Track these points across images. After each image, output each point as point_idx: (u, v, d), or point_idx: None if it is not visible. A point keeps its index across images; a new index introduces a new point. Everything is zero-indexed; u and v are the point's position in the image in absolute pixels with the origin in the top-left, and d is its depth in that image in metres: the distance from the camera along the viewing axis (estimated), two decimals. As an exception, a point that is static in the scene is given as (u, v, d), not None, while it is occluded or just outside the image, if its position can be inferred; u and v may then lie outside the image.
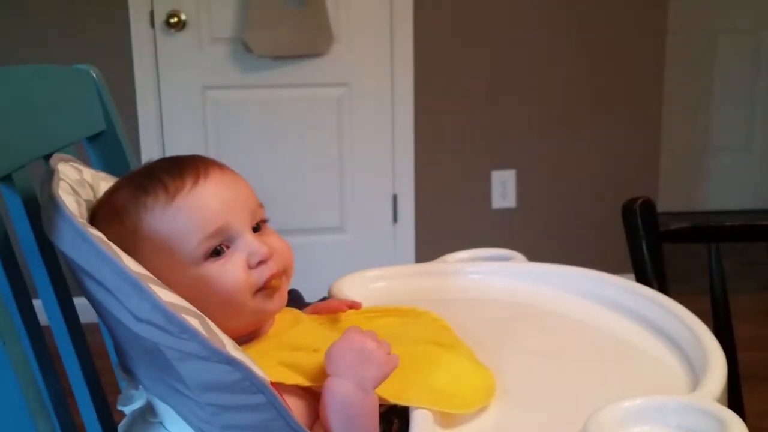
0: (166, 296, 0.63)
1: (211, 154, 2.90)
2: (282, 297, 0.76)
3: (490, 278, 1.07)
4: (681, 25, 3.61)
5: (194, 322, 0.63)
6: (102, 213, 0.75)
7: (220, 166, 0.76)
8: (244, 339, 0.74)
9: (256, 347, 0.74)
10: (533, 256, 1.09)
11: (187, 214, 0.71)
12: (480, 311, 1.00)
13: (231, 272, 0.71)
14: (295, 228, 3.04)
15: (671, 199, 3.61)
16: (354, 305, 0.90)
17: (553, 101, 3.09)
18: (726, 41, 3.93)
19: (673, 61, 3.38)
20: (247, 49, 2.88)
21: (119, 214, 0.72)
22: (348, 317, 0.87)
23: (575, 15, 3.04)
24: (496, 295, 1.04)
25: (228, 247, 0.72)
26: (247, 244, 0.73)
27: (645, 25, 3.06)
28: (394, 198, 3.12)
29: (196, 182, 0.72)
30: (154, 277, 0.65)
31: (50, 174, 0.75)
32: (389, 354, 0.69)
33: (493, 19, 3.01)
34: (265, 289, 0.73)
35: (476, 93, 3.06)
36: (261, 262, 0.73)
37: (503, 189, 3.14)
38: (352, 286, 1.03)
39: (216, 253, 0.72)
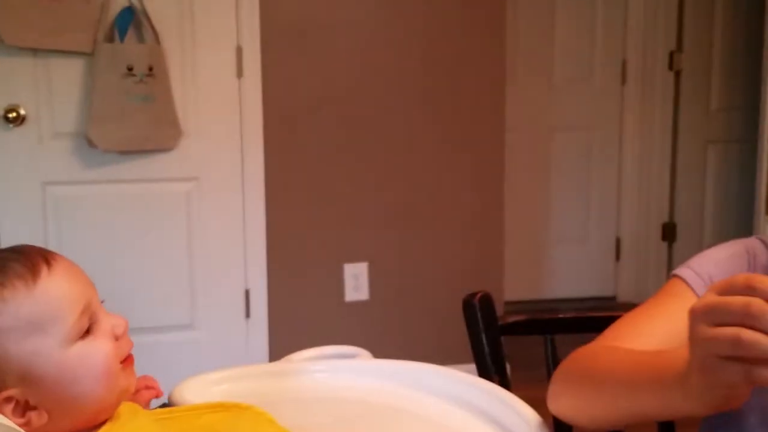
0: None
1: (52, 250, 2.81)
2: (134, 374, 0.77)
3: (335, 376, 1.07)
4: (519, 123, 3.83)
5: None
6: None
7: (53, 252, 0.75)
8: None
9: None
10: (386, 348, 1.10)
11: (53, 296, 0.70)
12: (326, 410, 1.00)
13: (102, 346, 0.72)
14: (143, 326, 2.92)
15: (516, 288, 3.75)
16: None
17: (403, 195, 3.18)
18: (561, 139, 4.20)
19: (513, 157, 3.56)
20: (91, 144, 2.80)
21: None
22: (178, 414, 0.86)
23: (423, 109, 3.16)
24: (342, 393, 1.04)
25: (94, 323, 0.73)
26: (108, 317, 0.74)
27: (485, 124, 3.23)
28: (247, 293, 3.08)
29: (49, 266, 0.71)
30: None
31: None
32: None
33: (340, 115, 3.09)
34: (127, 361, 0.75)
35: (327, 186, 3.11)
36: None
37: (356, 282, 3.17)
38: (194, 391, 1.00)
39: (86, 331, 0.72)
